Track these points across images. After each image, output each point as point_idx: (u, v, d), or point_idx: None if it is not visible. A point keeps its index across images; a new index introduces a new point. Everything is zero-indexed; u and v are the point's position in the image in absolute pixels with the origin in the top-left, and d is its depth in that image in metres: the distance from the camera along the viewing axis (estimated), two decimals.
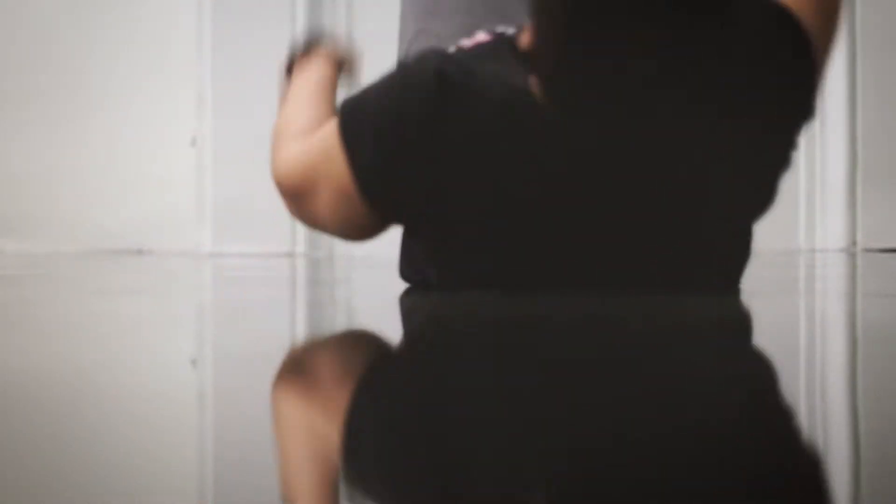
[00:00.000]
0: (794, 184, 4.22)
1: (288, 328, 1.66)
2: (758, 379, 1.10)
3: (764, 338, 1.37)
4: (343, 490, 0.73)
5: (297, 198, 1.68)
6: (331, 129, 1.68)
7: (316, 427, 0.91)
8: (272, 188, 1.75)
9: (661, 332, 1.37)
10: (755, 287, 1.88)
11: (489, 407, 0.96)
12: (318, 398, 1.04)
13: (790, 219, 4.27)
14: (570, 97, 1.54)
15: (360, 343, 1.39)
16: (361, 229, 1.67)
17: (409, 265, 1.79)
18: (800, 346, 1.34)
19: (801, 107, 1.62)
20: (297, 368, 1.21)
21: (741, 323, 1.49)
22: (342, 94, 1.83)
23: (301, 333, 1.56)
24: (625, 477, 0.72)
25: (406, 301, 1.68)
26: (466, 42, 1.79)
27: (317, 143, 1.69)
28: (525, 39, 1.65)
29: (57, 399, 1.00)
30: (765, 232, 1.80)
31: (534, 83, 1.57)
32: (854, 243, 4.27)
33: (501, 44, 1.70)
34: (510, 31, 1.81)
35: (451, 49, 1.80)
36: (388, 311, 1.60)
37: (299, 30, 4.35)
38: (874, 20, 4.37)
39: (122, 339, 1.45)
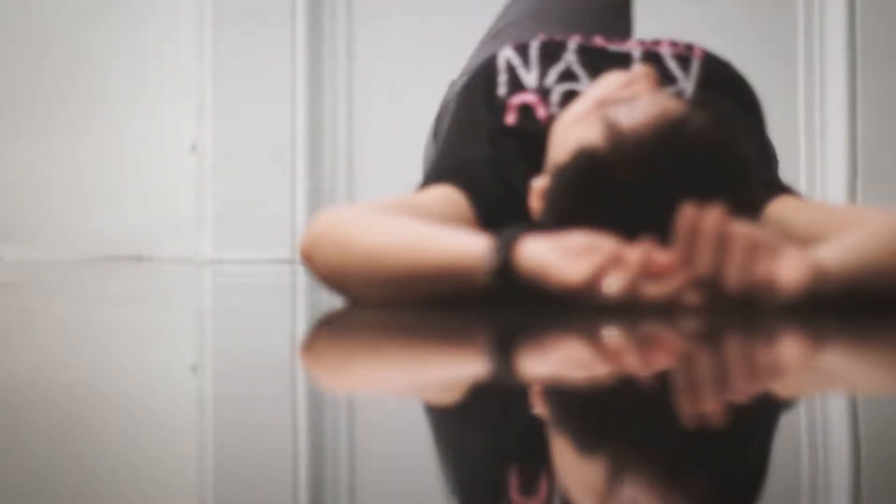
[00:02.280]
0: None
1: (289, 335, 1.66)
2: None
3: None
4: None
5: None
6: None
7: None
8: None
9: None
10: None
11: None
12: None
13: None
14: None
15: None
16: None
17: None
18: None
19: None
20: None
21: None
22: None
23: (301, 338, 1.56)
24: None
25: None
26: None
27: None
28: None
29: (57, 407, 1.00)
30: None
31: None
32: None
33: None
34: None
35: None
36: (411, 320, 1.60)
37: (299, 36, 4.36)
38: (874, 28, 4.37)
39: (122, 346, 1.45)
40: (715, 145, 1.55)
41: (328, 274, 1.65)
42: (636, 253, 1.44)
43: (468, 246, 1.54)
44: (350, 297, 1.66)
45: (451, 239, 1.58)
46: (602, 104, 1.66)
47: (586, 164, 1.56)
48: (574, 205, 1.57)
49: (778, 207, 1.73)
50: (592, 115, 1.64)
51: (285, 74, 4.35)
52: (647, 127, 1.55)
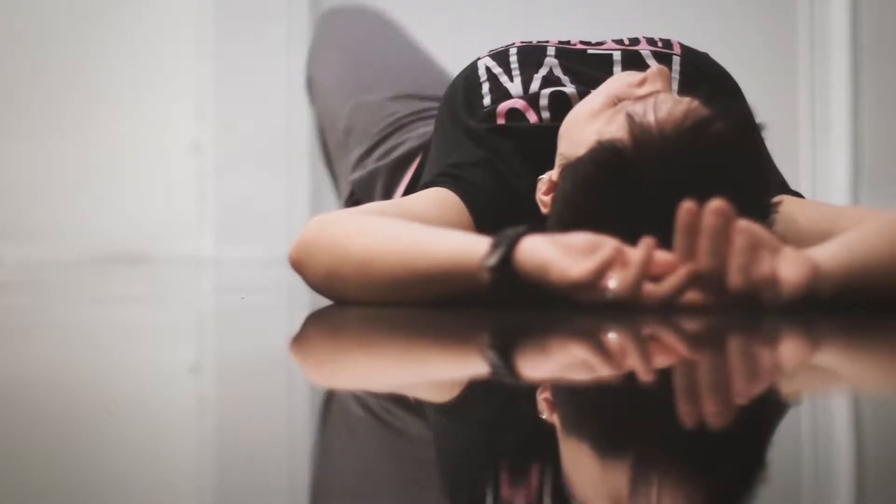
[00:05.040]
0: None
1: (290, 334, 1.65)
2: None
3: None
4: None
5: None
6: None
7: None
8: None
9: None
10: None
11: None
12: None
13: None
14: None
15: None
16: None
17: None
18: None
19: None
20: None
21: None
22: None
23: (293, 336, 1.55)
24: None
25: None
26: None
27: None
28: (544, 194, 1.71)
29: (57, 407, 1.00)
30: None
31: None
32: None
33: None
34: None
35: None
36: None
37: (303, 35, 4.36)
38: (878, 27, 4.37)
39: (122, 346, 1.45)
40: (737, 148, 1.55)
41: (323, 279, 1.64)
42: (639, 252, 1.43)
43: (468, 244, 1.53)
44: (344, 300, 1.66)
45: (451, 238, 1.57)
46: (618, 100, 1.65)
47: (608, 157, 1.55)
48: (590, 198, 1.55)
49: (779, 207, 1.72)
50: (610, 110, 1.64)
51: (286, 73, 4.35)
52: (671, 125, 1.54)
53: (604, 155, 1.55)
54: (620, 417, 0.95)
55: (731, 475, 0.76)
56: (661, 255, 1.43)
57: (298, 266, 1.66)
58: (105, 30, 4.39)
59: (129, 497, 0.72)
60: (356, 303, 1.64)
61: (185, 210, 4.36)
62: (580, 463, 0.80)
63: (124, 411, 0.98)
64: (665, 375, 1.14)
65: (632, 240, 1.45)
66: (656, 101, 1.59)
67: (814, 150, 4.38)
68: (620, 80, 1.71)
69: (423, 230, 1.60)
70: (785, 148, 4.27)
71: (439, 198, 1.75)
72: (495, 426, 0.91)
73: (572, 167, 1.60)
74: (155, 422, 0.94)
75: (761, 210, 1.56)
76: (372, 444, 0.87)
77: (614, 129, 1.58)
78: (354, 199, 2.50)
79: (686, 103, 1.58)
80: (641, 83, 1.68)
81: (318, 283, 1.66)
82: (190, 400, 1.08)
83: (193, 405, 1.05)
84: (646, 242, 1.43)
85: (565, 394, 1.04)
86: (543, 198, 1.69)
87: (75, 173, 4.39)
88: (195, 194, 4.36)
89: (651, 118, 1.56)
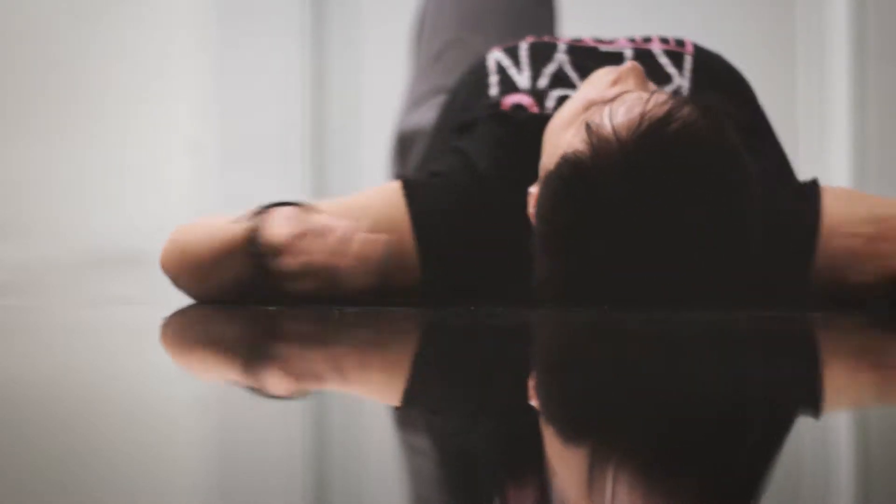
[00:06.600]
0: None
1: (289, 333, 1.65)
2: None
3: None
4: None
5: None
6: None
7: None
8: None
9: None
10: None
11: None
12: None
13: None
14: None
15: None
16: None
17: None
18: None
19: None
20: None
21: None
22: None
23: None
24: None
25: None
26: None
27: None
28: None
29: (57, 408, 1.00)
30: None
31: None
32: None
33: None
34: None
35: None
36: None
37: (303, 33, 4.35)
38: (882, 26, 4.36)
39: (122, 346, 1.45)
40: (700, 139, 1.52)
41: (175, 281, 1.78)
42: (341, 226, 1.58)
43: (233, 224, 1.69)
44: (199, 299, 1.77)
45: (223, 223, 1.72)
46: (591, 104, 1.63)
47: (570, 171, 1.53)
48: (560, 214, 1.55)
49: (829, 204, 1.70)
50: (579, 118, 1.62)
51: (288, 72, 4.35)
52: (627, 130, 1.52)
53: (567, 169, 1.54)
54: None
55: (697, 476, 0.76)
56: (364, 234, 1.57)
57: (164, 272, 1.78)
58: (105, 30, 4.40)
59: (129, 497, 0.72)
60: (206, 302, 1.74)
61: (185, 210, 4.36)
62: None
63: (124, 411, 0.98)
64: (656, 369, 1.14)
65: (614, 248, 1.47)
66: (612, 106, 1.56)
67: (813, 151, 4.37)
68: (595, 82, 1.68)
69: (220, 220, 1.74)
70: (785, 148, 4.26)
71: (383, 191, 1.76)
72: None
73: (544, 182, 1.59)
74: (155, 422, 0.94)
75: (743, 200, 1.54)
76: (361, 446, 0.87)
77: (577, 139, 1.56)
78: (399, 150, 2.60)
79: (643, 104, 1.55)
80: (615, 83, 1.65)
81: (179, 286, 1.78)
82: (189, 400, 1.08)
83: (193, 405, 1.05)
84: (354, 225, 1.57)
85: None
86: (531, 209, 1.68)
87: (75, 173, 4.39)
88: (195, 194, 4.36)
89: (608, 125, 1.53)
